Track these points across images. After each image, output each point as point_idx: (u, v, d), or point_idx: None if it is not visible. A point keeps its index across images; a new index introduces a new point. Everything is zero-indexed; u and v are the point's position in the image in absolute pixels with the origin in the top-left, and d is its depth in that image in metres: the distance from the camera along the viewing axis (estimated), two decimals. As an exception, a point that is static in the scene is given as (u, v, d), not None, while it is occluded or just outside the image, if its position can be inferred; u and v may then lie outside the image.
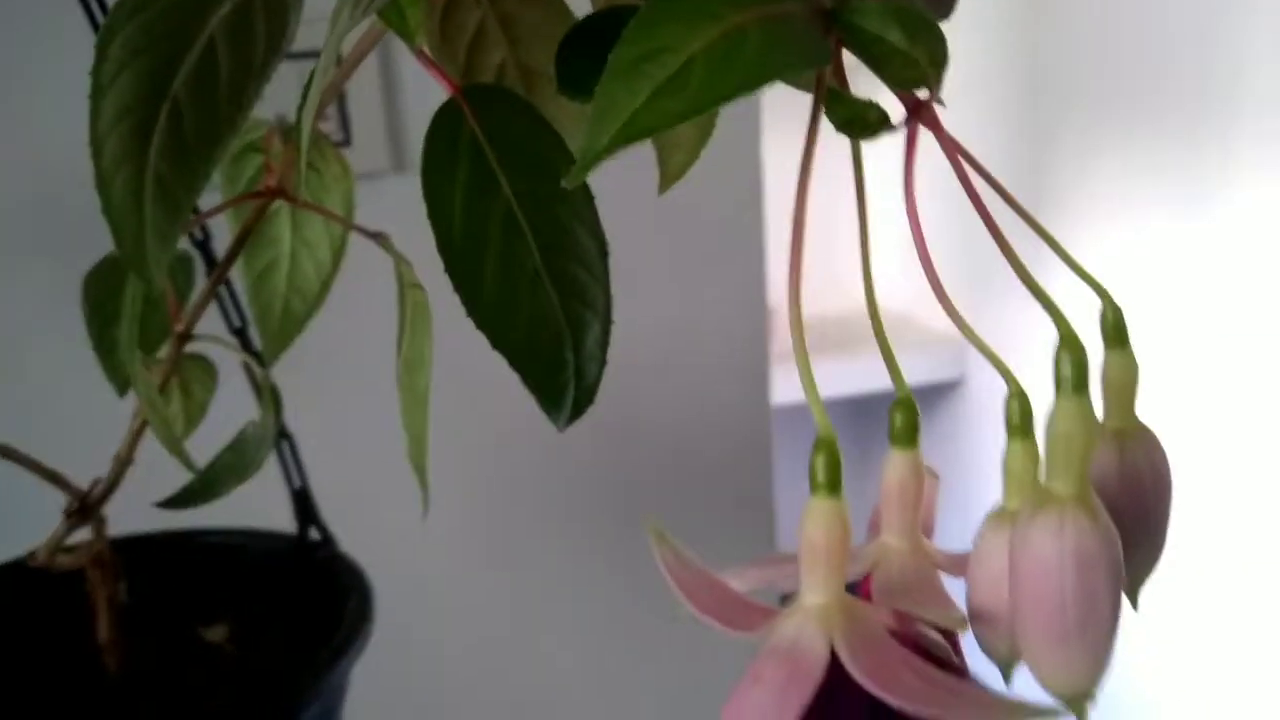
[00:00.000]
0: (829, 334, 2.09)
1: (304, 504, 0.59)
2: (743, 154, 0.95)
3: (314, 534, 0.60)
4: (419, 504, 0.45)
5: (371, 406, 0.63)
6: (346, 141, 0.80)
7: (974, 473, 2.24)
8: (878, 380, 2.13)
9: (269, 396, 0.40)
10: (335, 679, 0.50)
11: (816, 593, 0.24)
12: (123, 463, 0.42)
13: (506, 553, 0.91)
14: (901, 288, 2.43)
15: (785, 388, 2.05)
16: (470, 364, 0.85)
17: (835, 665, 0.23)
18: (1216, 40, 1.63)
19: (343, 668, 0.50)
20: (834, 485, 0.24)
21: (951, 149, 0.23)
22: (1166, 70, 1.72)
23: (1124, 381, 0.26)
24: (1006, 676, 0.26)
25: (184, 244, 0.47)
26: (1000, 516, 0.25)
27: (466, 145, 0.30)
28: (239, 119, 0.32)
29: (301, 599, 0.57)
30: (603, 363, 0.34)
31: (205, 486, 0.39)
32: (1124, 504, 0.25)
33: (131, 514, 0.57)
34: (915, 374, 2.12)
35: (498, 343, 0.31)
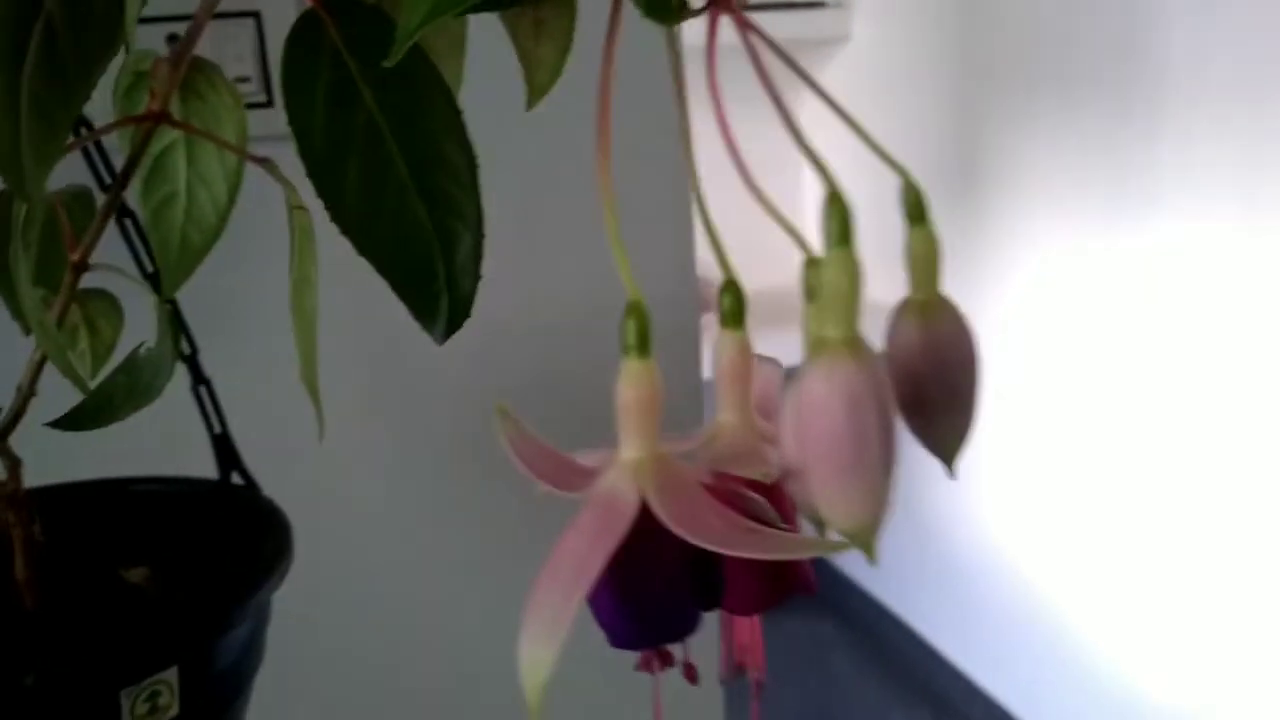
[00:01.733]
0: (767, 308, 2.11)
1: (225, 448, 0.60)
2: (668, 123, 0.96)
3: (237, 479, 0.61)
4: (339, 438, 0.46)
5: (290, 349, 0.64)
6: (269, 103, 0.81)
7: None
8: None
9: (165, 320, 0.41)
10: (250, 610, 0.51)
11: (632, 447, 0.26)
12: (25, 394, 0.43)
13: (422, 498, 0.92)
14: (873, 275, 2.46)
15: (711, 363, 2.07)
16: (383, 312, 0.86)
17: (650, 517, 0.25)
18: (1137, 28, 1.65)
19: (257, 598, 0.51)
20: (643, 346, 0.26)
21: (744, 27, 0.25)
22: (1094, 62, 1.74)
23: (926, 255, 0.28)
24: (821, 532, 0.27)
25: (84, 179, 0.48)
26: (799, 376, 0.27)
27: (328, 55, 0.31)
28: (114, 39, 0.33)
29: (222, 541, 0.58)
30: (476, 276, 0.35)
31: (98, 408, 0.40)
32: (929, 372, 0.27)
33: (57, 468, 0.58)
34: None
35: (364, 250, 0.32)
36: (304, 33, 0.31)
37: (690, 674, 0.33)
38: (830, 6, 2.16)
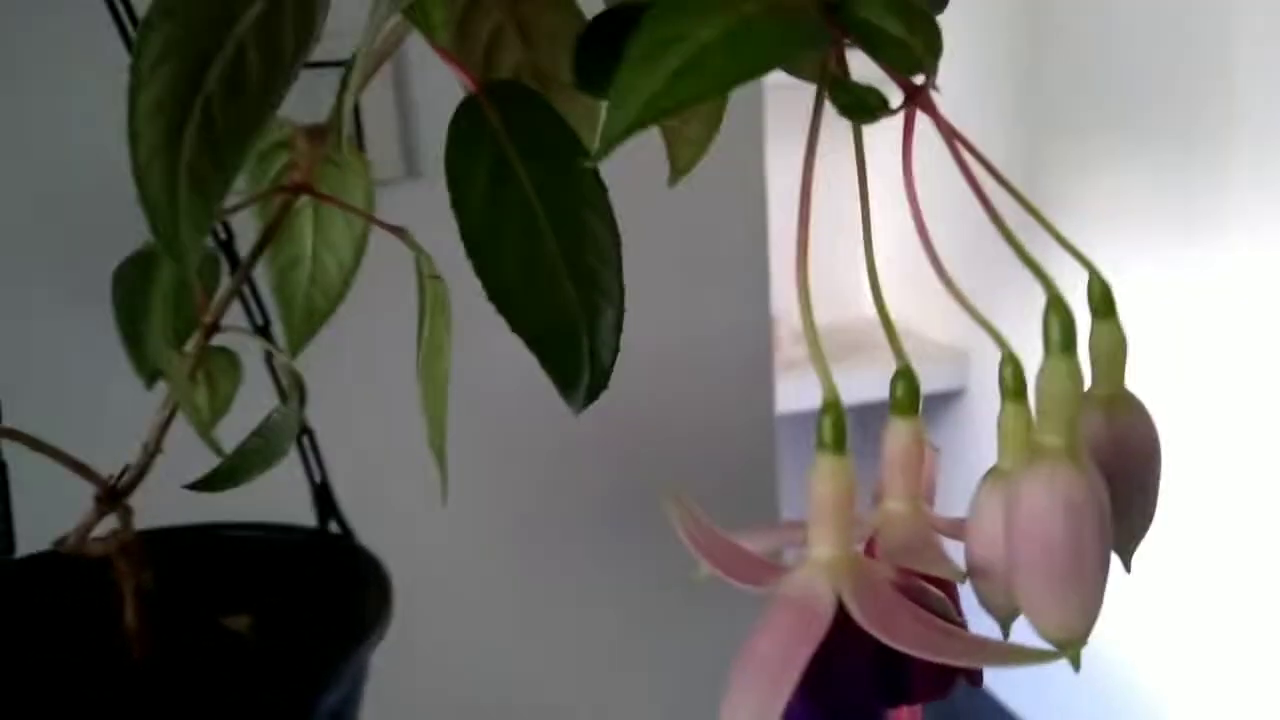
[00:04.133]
0: (830, 344, 2.11)
1: (324, 498, 0.61)
2: (746, 162, 0.97)
3: (334, 527, 0.61)
4: (437, 496, 0.46)
5: (389, 403, 0.65)
6: (360, 148, 0.82)
7: (973, 479, 2.24)
8: (880, 390, 2.15)
9: (293, 384, 0.42)
10: (354, 667, 0.51)
11: (825, 546, 0.25)
12: (150, 451, 0.43)
13: (518, 553, 0.92)
14: (902, 299, 2.44)
15: (789, 396, 2.07)
16: (490, 376, 0.86)
17: (842, 616, 0.24)
18: (1209, 60, 1.64)
19: (361, 656, 0.51)
20: (839, 444, 0.26)
21: (947, 131, 0.25)
22: (1161, 90, 1.73)
23: (1111, 351, 0.27)
24: (1005, 631, 0.27)
25: (209, 244, 0.48)
26: (996, 475, 0.27)
27: (487, 138, 0.32)
28: (267, 112, 0.34)
29: (321, 591, 0.58)
30: (615, 349, 0.35)
31: (233, 470, 0.40)
32: (1114, 467, 0.26)
33: (160, 509, 0.58)
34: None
35: (516, 326, 0.32)
36: (465, 116, 0.32)
37: None
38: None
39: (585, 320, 0.34)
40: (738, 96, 0.92)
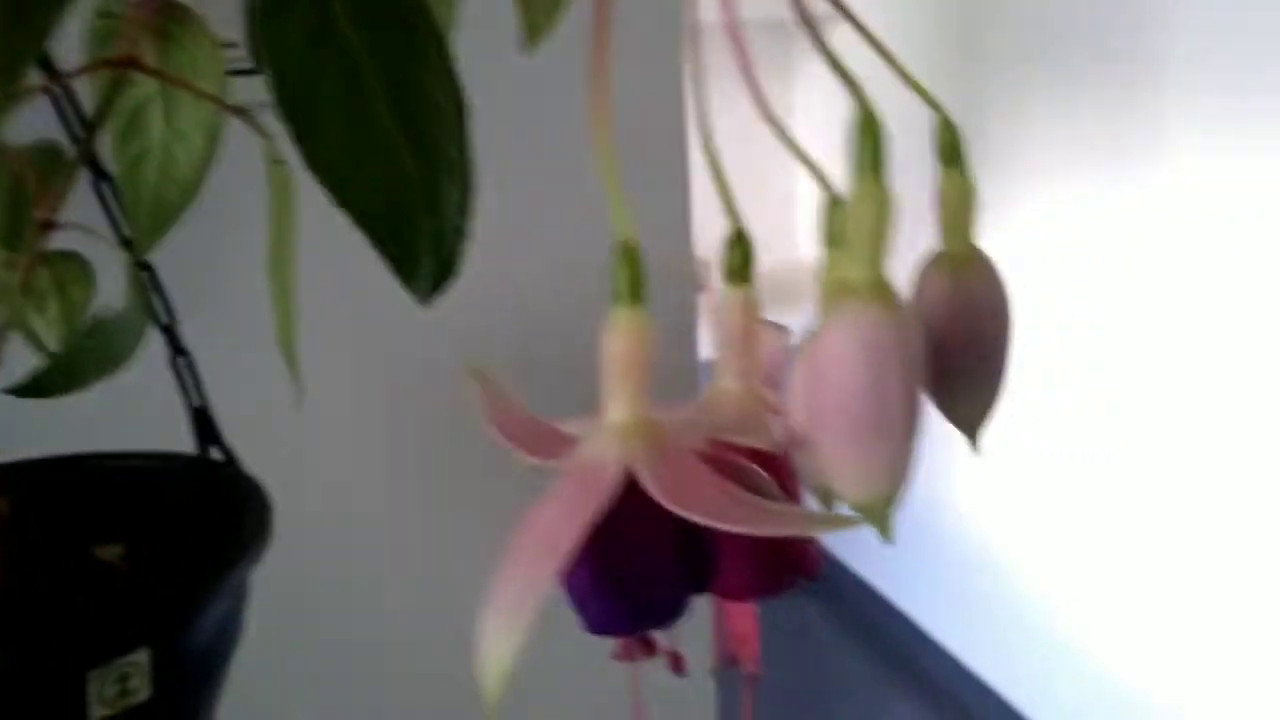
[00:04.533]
0: (775, 290, 2.10)
1: (204, 423, 0.58)
2: (666, 105, 0.94)
3: (216, 454, 0.58)
4: (301, 399, 0.44)
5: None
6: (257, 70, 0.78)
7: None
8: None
9: (135, 281, 0.39)
10: (229, 588, 0.49)
11: (618, 409, 0.23)
12: (-12, 359, 0.40)
13: (406, 467, 0.90)
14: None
15: (709, 343, 2.06)
16: (390, 304, 0.83)
17: (635, 485, 0.22)
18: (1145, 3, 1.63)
19: (236, 576, 0.49)
20: (635, 293, 0.23)
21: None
22: (1097, 31, 1.72)
23: (959, 201, 0.25)
24: (828, 506, 0.25)
25: (54, 134, 0.45)
26: (810, 335, 0.24)
27: (307, -9, 0.29)
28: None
29: (198, 517, 0.56)
30: (463, 232, 0.32)
31: (64, 373, 0.38)
32: (958, 334, 0.24)
33: (30, 445, 0.55)
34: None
35: (343, 201, 0.30)
36: (281, -35, 0.29)
37: (676, 664, 0.30)
38: (826, -15, 2.14)
39: (424, 197, 0.31)
40: (656, 40, 0.89)
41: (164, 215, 0.42)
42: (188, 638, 0.48)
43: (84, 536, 0.54)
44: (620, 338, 0.23)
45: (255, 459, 0.58)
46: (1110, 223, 1.75)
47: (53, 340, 0.44)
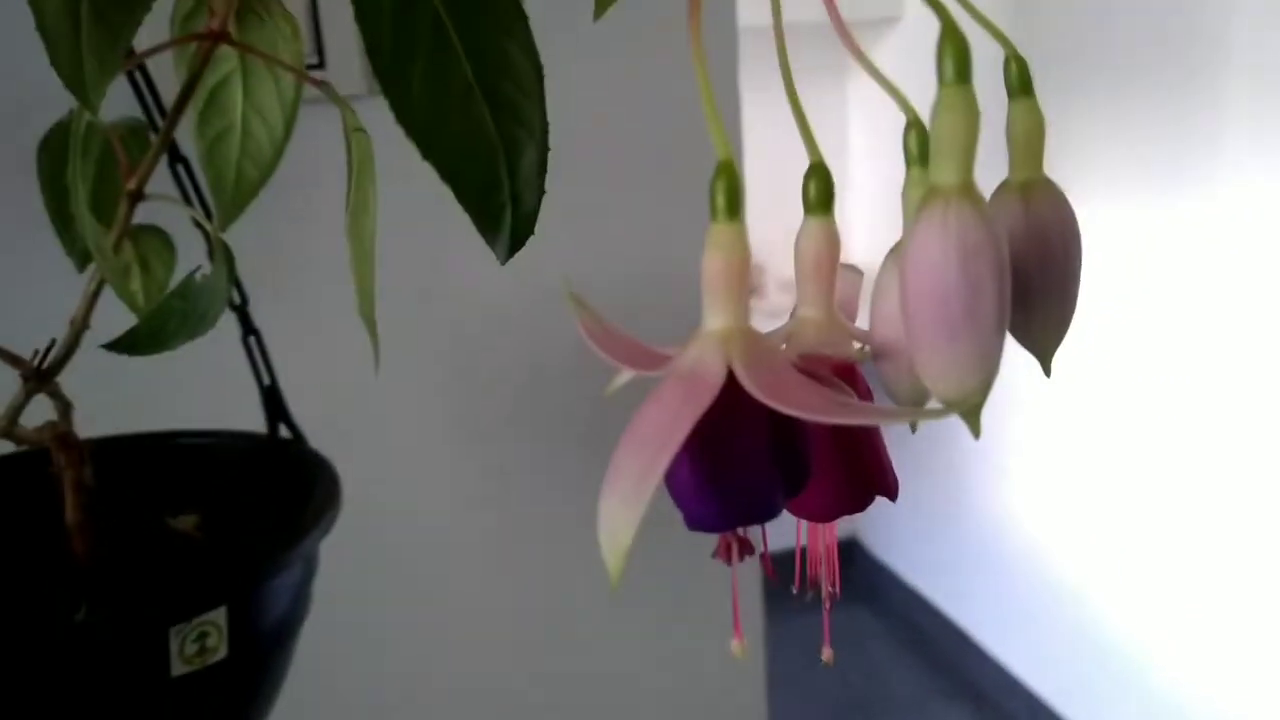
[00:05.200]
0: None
1: (273, 401, 0.60)
2: (722, 105, 0.95)
3: (284, 432, 0.60)
4: (394, 401, 0.46)
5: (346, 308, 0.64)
6: (321, 65, 0.81)
7: (963, 432, 2.24)
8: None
9: (220, 250, 0.41)
10: (296, 559, 0.50)
11: (717, 318, 0.24)
12: (78, 327, 0.42)
13: (476, 454, 0.91)
14: (886, 241, 2.41)
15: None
16: (467, 295, 0.85)
17: (735, 389, 0.24)
18: (1204, 9, 1.63)
19: (304, 548, 0.50)
20: (733, 208, 0.25)
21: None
22: (1154, 40, 1.72)
23: (1028, 131, 0.26)
24: (913, 425, 0.26)
25: (136, 115, 0.47)
26: (896, 251, 0.26)
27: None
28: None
29: (269, 492, 0.58)
30: (540, 190, 0.34)
31: (153, 333, 0.40)
32: (1029, 256, 0.25)
33: (119, 423, 0.58)
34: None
35: (429, 154, 0.31)
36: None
37: (768, 566, 0.32)
38: (881, -13, 2.15)
39: (505, 155, 0.33)
40: (712, 44, 0.90)
41: (245, 191, 0.44)
42: (262, 601, 0.49)
43: (161, 508, 0.57)
44: (719, 252, 0.25)
45: (322, 436, 0.60)
46: (1169, 239, 1.74)
47: (142, 303, 0.46)
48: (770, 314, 2.04)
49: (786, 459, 0.26)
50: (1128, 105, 1.77)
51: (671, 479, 0.25)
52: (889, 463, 0.30)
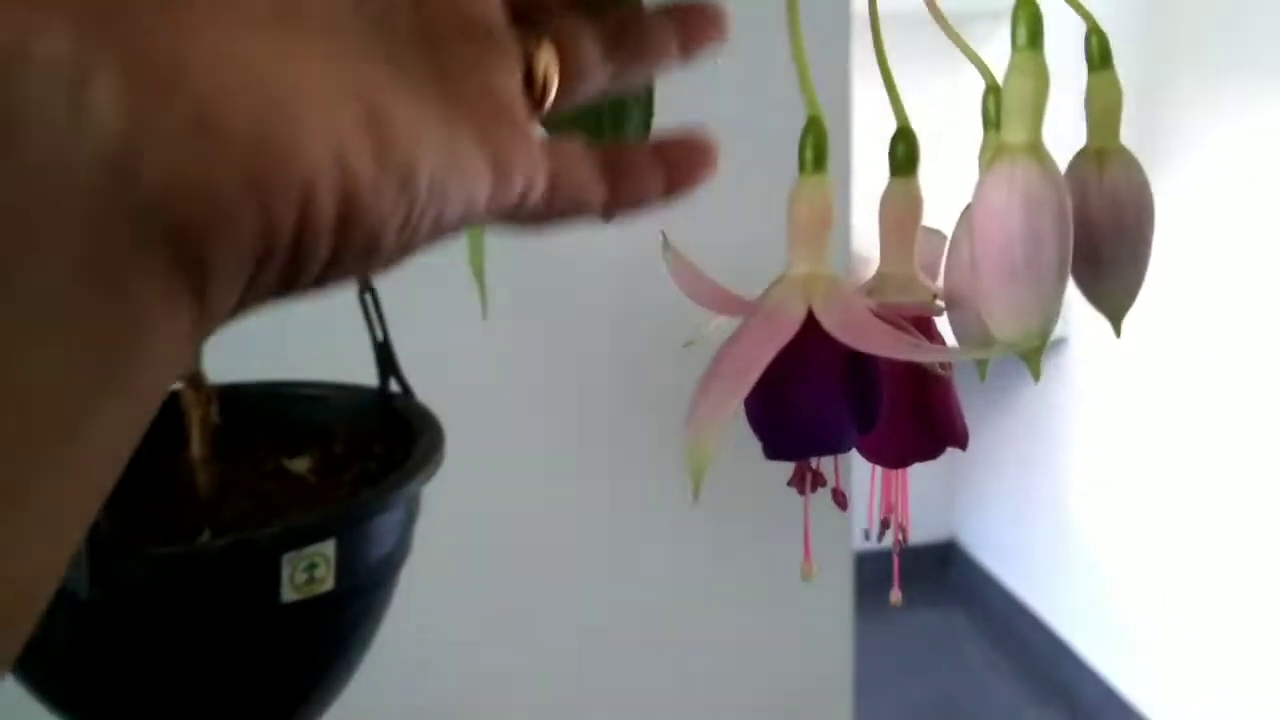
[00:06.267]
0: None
1: (385, 356, 0.63)
2: (831, 97, 0.96)
3: (395, 386, 0.64)
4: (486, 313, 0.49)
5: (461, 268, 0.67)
6: None
7: (1068, 432, 2.22)
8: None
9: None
10: (401, 500, 0.54)
11: (802, 264, 0.27)
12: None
13: (570, 419, 0.94)
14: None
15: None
16: (569, 281, 0.88)
17: (815, 328, 0.26)
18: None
19: (408, 490, 0.54)
20: (820, 162, 0.27)
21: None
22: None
23: (1107, 102, 0.28)
24: (982, 369, 0.28)
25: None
26: (968, 209, 0.28)
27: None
28: None
29: (378, 442, 0.61)
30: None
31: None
32: (1103, 220, 0.27)
33: (235, 372, 0.62)
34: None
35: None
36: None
37: (840, 499, 0.33)
38: (1001, -24, 2.13)
39: (610, 114, 0.35)
40: (825, 25, 0.91)
41: None
42: (367, 537, 0.53)
43: (278, 451, 0.61)
44: (805, 201, 0.27)
45: (431, 390, 0.63)
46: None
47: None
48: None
49: (860, 396, 0.28)
50: (1252, 111, 1.73)
51: (752, 411, 0.27)
52: (960, 415, 0.31)
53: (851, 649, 1.05)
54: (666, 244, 0.29)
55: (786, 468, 0.33)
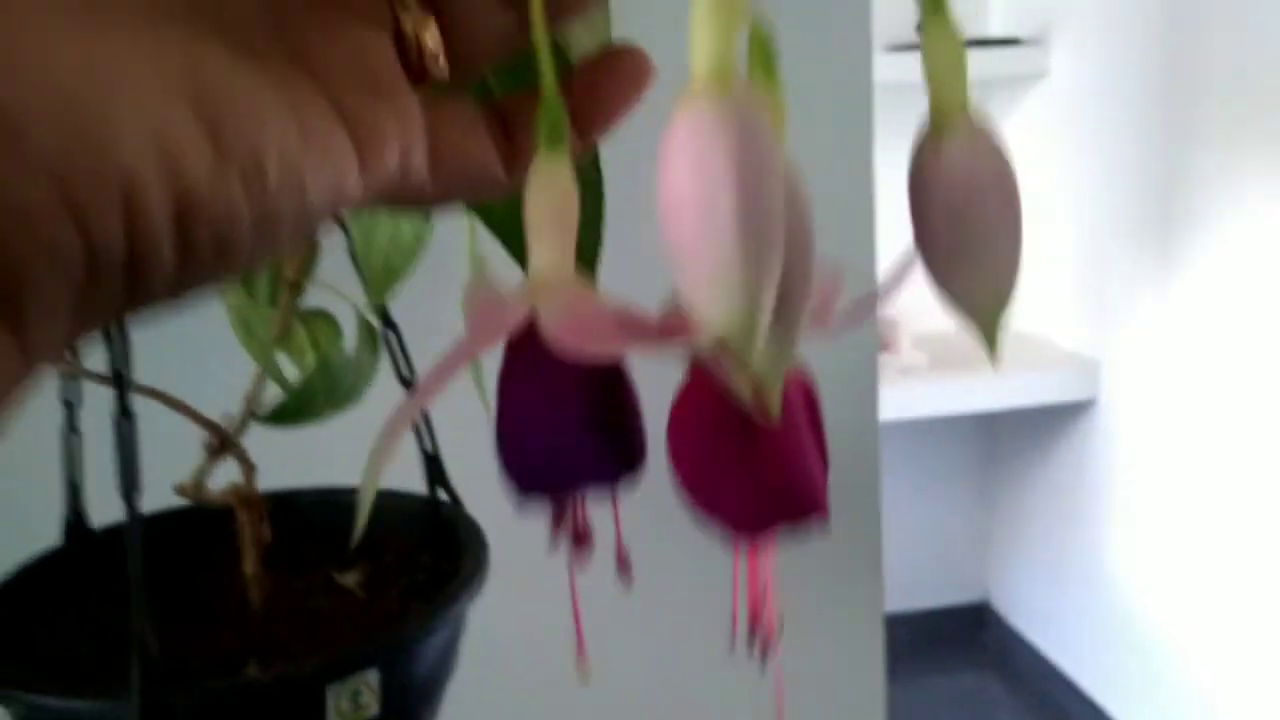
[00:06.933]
0: (953, 351, 2.09)
1: (434, 467, 0.64)
2: (854, 159, 0.96)
3: (442, 495, 0.64)
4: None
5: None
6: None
7: (1103, 493, 2.19)
8: (1000, 398, 2.12)
9: (363, 329, 0.45)
10: (448, 621, 0.54)
11: (538, 259, 0.24)
12: (251, 401, 0.47)
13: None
14: (1032, 308, 2.37)
15: (901, 403, 2.03)
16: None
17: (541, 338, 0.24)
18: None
19: (454, 612, 0.54)
20: (555, 142, 0.24)
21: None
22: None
23: (947, 57, 0.23)
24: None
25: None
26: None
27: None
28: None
29: (426, 551, 0.62)
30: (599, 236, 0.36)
31: (299, 407, 0.44)
32: (957, 205, 0.23)
33: (285, 476, 0.62)
34: (1046, 393, 2.10)
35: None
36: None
37: (622, 563, 0.30)
38: (1027, 44, 2.12)
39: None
40: (847, 95, 0.91)
41: (391, 276, 0.48)
42: (413, 662, 0.53)
43: (329, 562, 0.61)
44: (539, 191, 0.24)
45: (476, 502, 0.64)
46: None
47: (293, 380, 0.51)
48: (903, 370, 2.03)
49: (609, 422, 0.25)
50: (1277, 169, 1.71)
51: (498, 443, 0.25)
52: (810, 473, 0.26)
53: (884, 710, 1.04)
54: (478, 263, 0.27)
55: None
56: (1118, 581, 2.19)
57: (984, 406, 2.08)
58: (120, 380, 0.46)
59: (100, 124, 0.18)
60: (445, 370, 0.24)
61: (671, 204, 0.20)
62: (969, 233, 0.23)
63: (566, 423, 0.25)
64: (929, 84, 0.23)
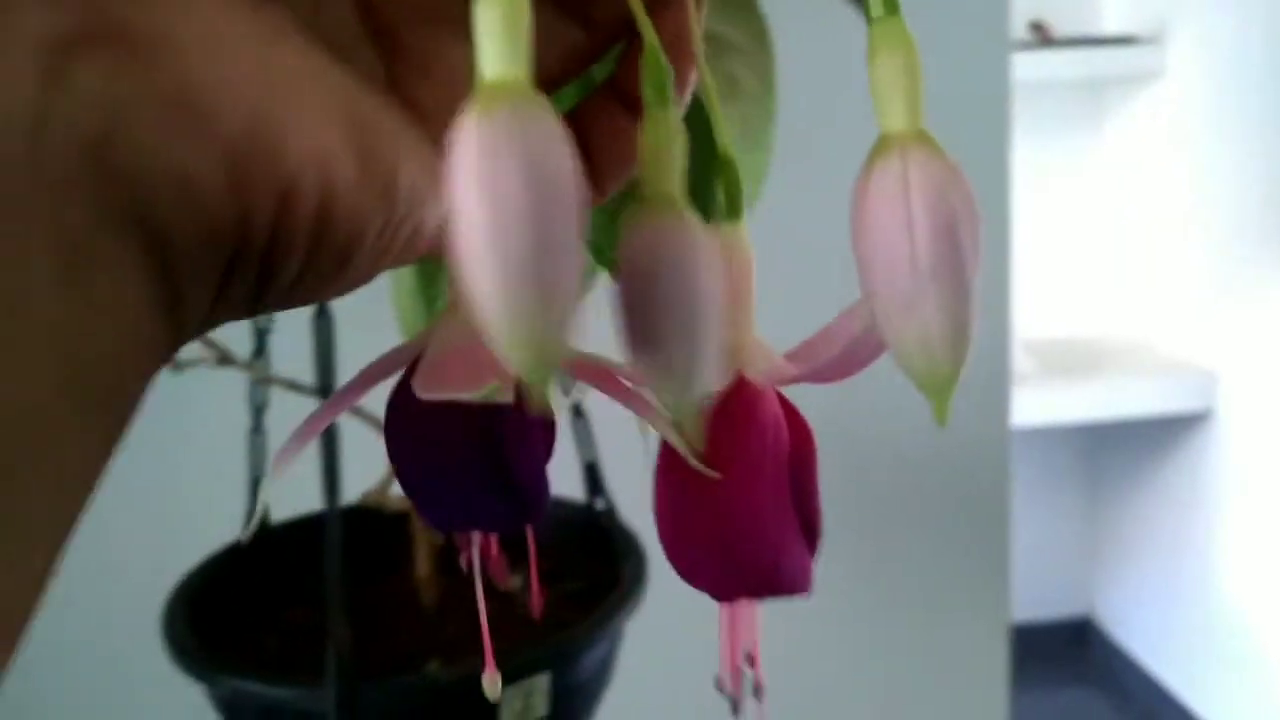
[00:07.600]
0: (1064, 358, 2.06)
1: (593, 476, 0.66)
2: (989, 171, 0.96)
3: (600, 503, 0.67)
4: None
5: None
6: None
7: (1218, 508, 2.14)
8: (1111, 407, 2.08)
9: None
10: (611, 631, 0.56)
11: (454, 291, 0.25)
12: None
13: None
14: (1143, 313, 2.32)
15: (1024, 410, 2.01)
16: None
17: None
18: None
19: (618, 622, 0.56)
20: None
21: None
22: None
23: (655, 143, 0.22)
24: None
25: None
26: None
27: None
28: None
29: (586, 559, 0.64)
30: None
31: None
32: (647, 291, 0.21)
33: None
34: (1157, 403, 2.04)
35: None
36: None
37: (535, 595, 0.30)
38: (1143, 42, 2.08)
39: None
40: (983, 97, 0.91)
41: None
42: (578, 669, 0.56)
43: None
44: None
45: (633, 510, 0.66)
46: None
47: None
48: (1017, 379, 2.00)
49: (508, 461, 0.25)
50: None
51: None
52: (784, 538, 0.25)
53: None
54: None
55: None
56: (1230, 600, 2.15)
57: (1089, 416, 2.05)
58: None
59: (275, 134, 0.19)
60: (359, 385, 0.26)
61: (896, 241, 0.20)
62: (666, 313, 0.21)
63: (442, 468, 0.25)
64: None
